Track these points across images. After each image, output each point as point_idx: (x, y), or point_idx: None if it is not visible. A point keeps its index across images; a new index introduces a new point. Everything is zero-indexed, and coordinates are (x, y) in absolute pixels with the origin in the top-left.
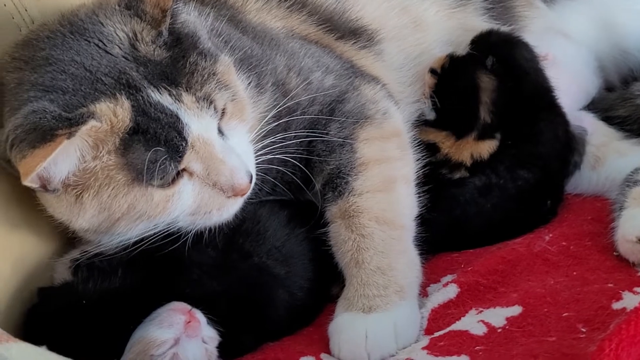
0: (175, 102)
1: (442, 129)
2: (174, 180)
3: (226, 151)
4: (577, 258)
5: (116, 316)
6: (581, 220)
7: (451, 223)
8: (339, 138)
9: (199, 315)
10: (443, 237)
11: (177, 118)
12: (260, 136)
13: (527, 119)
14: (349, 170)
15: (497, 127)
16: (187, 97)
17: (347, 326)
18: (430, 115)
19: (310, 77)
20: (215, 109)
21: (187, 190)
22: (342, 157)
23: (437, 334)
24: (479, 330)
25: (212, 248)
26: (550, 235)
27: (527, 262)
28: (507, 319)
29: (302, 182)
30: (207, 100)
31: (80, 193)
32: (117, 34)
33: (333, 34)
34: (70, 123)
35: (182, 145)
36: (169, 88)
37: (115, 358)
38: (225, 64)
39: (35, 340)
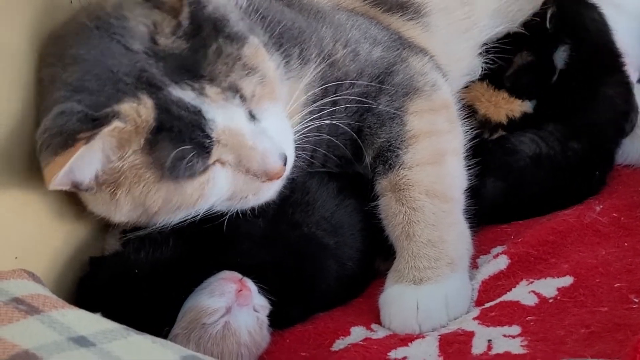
0: (198, 96)
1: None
2: (204, 170)
3: (257, 136)
4: (628, 229)
5: (168, 285)
6: (631, 191)
7: (507, 190)
8: (389, 110)
9: (250, 284)
10: (498, 205)
11: (201, 114)
12: (307, 108)
13: (586, 83)
14: (399, 144)
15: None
16: (210, 90)
17: (397, 298)
18: None
19: (357, 49)
20: (242, 96)
21: (221, 177)
22: (392, 130)
23: (487, 305)
24: (530, 300)
25: (262, 218)
26: (601, 206)
27: (577, 233)
28: (558, 289)
29: (353, 156)
30: (233, 89)
31: (114, 190)
32: (139, 29)
33: (380, 7)
34: (94, 125)
35: (206, 141)
36: (191, 83)
37: (167, 326)
38: (254, 46)
39: (87, 309)
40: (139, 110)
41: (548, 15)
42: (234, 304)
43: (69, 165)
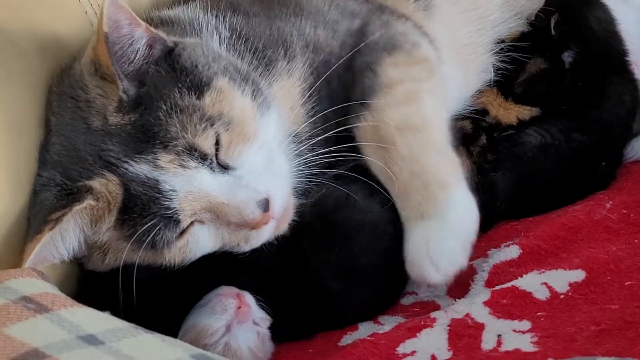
0: (153, 168)
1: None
2: (181, 235)
3: (228, 190)
4: (638, 226)
5: (169, 286)
6: None
7: (518, 179)
8: (364, 63)
9: (249, 298)
10: (511, 197)
11: (157, 188)
12: (308, 101)
13: (593, 82)
14: (372, 92)
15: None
16: (164, 158)
17: (409, 241)
18: None
19: (336, 27)
20: (202, 154)
21: (202, 235)
22: (364, 81)
23: (498, 287)
24: (542, 294)
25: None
26: (611, 202)
27: (587, 229)
28: (570, 284)
29: None
30: (189, 149)
31: (104, 256)
32: (95, 103)
33: None
34: (69, 200)
35: (168, 214)
36: (144, 156)
37: (171, 324)
38: (217, 90)
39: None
40: (108, 187)
41: (552, 23)
42: (233, 322)
43: (36, 251)
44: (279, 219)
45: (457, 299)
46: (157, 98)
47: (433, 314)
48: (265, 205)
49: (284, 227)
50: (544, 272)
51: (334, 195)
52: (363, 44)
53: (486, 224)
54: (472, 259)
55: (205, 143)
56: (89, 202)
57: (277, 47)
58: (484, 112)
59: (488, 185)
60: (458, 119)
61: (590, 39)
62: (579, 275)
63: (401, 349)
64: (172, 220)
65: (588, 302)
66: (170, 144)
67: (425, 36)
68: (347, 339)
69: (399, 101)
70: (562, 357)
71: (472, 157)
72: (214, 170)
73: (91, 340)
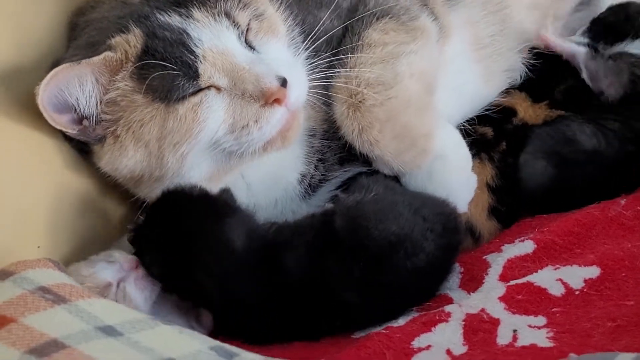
0: (184, 20)
1: (522, 90)
2: (196, 92)
3: (251, 61)
4: None
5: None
6: None
7: (557, 178)
8: (351, 33)
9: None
10: (544, 189)
11: (186, 34)
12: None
13: None
14: (346, 50)
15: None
16: (197, 13)
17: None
18: None
19: (337, 8)
20: (235, 22)
21: (216, 103)
22: (346, 42)
23: (513, 282)
24: (557, 290)
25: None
26: (625, 200)
27: (602, 225)
28: (585, 280)
29: None
30: (223, 15)
31: (115, 129)
32: None
33: None
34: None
35: (190, 59)
36: (177, 9)
37: None
38: None
39: None
40: (128, 39)
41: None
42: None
43: (54, 76)
44: (291, 111)
45: (469, 292)
46: None
47: (447, 308)
48: (283, 82)
49: (292, 135)
50: (558, 268)
51: (374, 207)
52: (356, 13)
53: (509, 219)
54: (485, 253)
55: (239, 16)
56: (107, 53)
57: (309, 41)
58: (510, 112)
59: (512, 182)
60: (479, 124)
61: None
62: (593, 271)
63: (416, 343)
64: (191, 69)
65: (603, 299)
66: (209, 4)
67: (431, 14)
68: (361, 331)
69: (374, 60)
70: (578, 352)
71: (493, 162)
72: (241, 41)
73: (110, 331)
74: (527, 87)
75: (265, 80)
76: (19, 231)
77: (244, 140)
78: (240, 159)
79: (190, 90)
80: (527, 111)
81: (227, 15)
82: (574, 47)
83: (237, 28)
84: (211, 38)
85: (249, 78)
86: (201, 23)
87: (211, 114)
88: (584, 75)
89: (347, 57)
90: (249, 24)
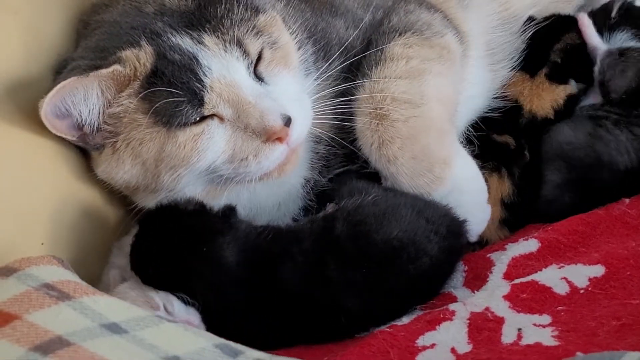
0: (195, 44)
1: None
2: (199, 121)
3: (258, 94)
4: None
5: None
6: None
7: (581, 197)
8: (374, 48)
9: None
10: (563, 203)
11: (195, 60)
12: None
13: None
14: (370, 63)
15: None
16: (209, 39)
17: None
18: None
19: (360, 25)
20: (246, 52)
21: (218, 134)
22: (370, 57)
23: (517, 281)
24: (562, 289)
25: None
26: (629, 199)
27: (606, 224)
28: (589, 279)
29: None
30: (235, 43)
31: (114, 141)
32: None
33: None
34: (98, 68)
35: (198, 87)
36: (189, 31)
37: None
38: (271, 17)
39: None
40: (138, 56)
41: (616, 7)
42: None
43: (60, 89)
44: (292, 148)
45: (473, 291)
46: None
47: (452, 307)
48: (287, 121)
49: (289, 169)
50: (563, 266)
51: (374, 210)
52: (380, 29)
53: (518, 226)
54: (489, 251)
55: (251, 45)
56: (115, 67)
57: (318, 46)
58: (517, 108)
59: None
60: (493, 131)
61: None
62: (598, 270)
63: (420, 341)
64: (197, 97)
65: (608, 297)
66: (221, 30)
67: (452, 28)
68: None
69: (399, 74)
70: (585, 351)
71: (513, 179)
72: (249, 72)
73: (115, 328)
74: (522, 66)
75: (270, 118)
76: (23, 228)
77: (241, 171)
78: (237, 184)
79: (193, 119)
80: (532, 100)
81: (239, 43)
82: (600, 42)
83: (247, 58)
84: (220, 68)
85: (253, 113)
86: (212, 52)
87: (212, 145)
88: (596, 68)
89: (370, 70)
90: (261, 53)
